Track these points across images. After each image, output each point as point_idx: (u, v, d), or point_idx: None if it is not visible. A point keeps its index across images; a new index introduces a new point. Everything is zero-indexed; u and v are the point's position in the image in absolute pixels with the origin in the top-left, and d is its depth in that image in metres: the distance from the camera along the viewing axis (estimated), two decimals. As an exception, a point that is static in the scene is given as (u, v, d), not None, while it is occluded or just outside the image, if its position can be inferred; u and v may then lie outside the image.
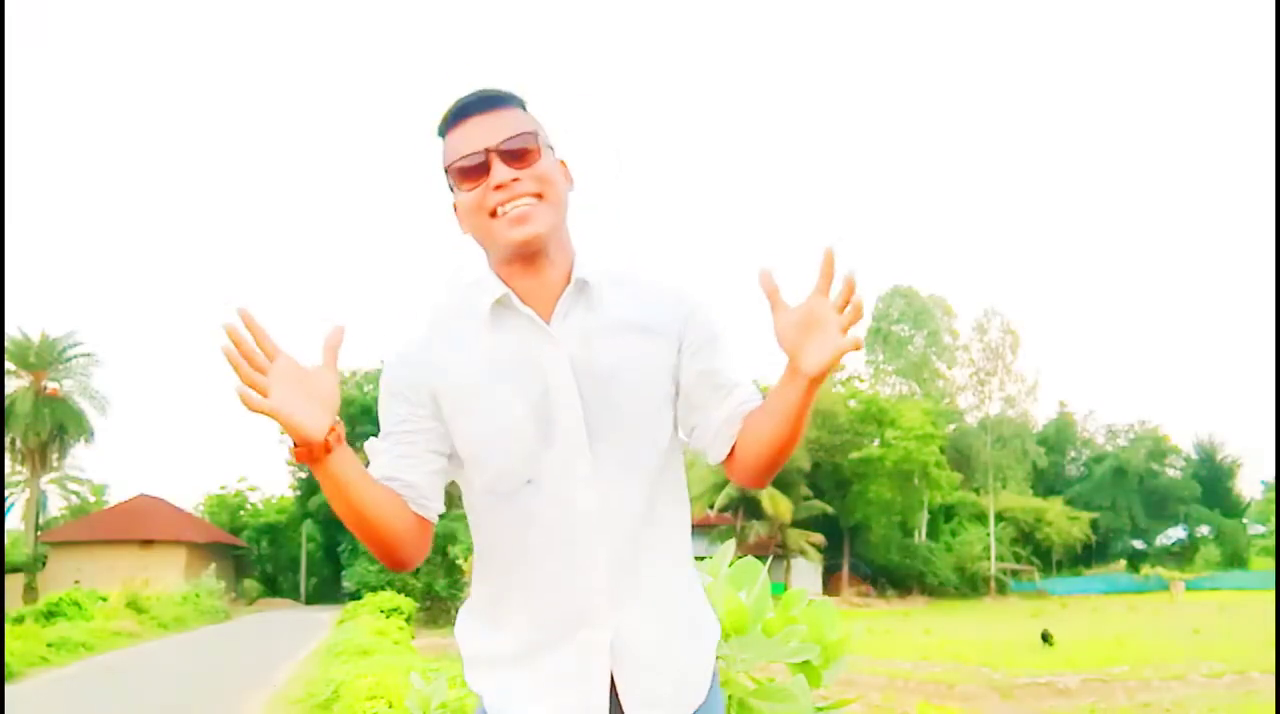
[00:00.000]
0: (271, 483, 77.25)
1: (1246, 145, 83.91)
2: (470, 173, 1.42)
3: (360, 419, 43.00)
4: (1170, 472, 65.44)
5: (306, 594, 46.87)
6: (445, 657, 16.35)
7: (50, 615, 21.59)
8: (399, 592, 27.35)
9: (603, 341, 1.44)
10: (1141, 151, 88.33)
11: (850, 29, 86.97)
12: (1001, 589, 49.49)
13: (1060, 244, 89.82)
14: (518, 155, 1.41)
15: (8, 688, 12.12)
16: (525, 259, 1.43)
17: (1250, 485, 67.66)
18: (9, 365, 35.76)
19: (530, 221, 1.39)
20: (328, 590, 45.73)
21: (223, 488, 52.17)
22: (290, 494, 49.29)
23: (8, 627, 17.40)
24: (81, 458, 48.56)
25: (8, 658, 13.37)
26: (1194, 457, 66.55)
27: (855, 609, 37.62)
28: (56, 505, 45.62)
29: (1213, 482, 64.59)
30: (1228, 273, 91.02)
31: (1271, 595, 28.59)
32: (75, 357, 37.87)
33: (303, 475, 46.01)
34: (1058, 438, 65.66)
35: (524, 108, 1.48)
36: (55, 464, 38.99)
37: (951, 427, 52.81)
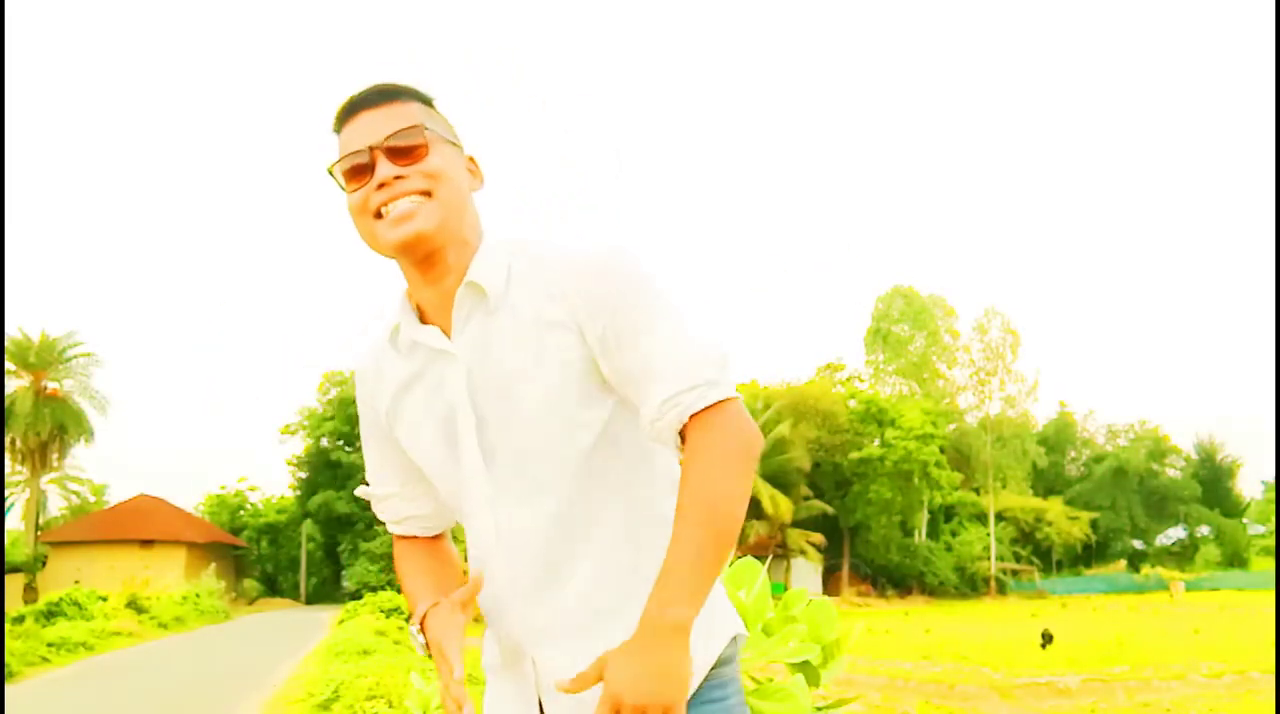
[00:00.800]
0: (271, 483, 77.31)
1: (1246, 145, 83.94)
2: (355, 172, 1.31)
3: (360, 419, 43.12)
4: (1170, 472, 65.43)
5: (306, 594, 46.89)
6: (445, 657, 16.30)
7: (50, 615, 21.59)
8: (399, 592, 27.30)
9: (504, 348, 1.30)
10: (1142, 152, 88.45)
11: (851, 30, 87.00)
12: (1001, 589, 49.50)
13: (1060, 244, 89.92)
14: (404, 151, 1.29)
15: (8, 688, 12.12)
16: (421, 265, 1.32)
17: (1250, 485, 67.76)
18: (9, 365, 35.79)
19: (412, 219, 1.28)
20: (328, 590, 45.81)
21: (223, 488, 52.26)
22: (290, 494, 49.31)
23: (8, 627, 17.39)
24: (81, 458, 48.65)
25: (8, 658, 13.37)
26: (1194, 457, 66.56)
27: (855, 609, 37.61)
28: (56, 505, 45.70)
29: (1213, 482, 64.62)
30: (1228, 273, 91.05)
31: (1271, 595, 28.61)
32: (75, 357, 37.91)
33: (303, 475, 46.04)
34: (1058, 438, 65.66)
35: (424, 102, 1.36)
36: (55, 464, 39.01)
37: (951, 427, 52.79)
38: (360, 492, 1.54)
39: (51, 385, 36.99)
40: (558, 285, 1.30)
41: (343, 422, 43.20)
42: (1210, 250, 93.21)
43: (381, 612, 22.55)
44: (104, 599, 24.47)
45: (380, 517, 1.53)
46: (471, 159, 1.40)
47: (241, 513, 51.03)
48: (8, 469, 36.71)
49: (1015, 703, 13.91)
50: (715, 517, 1.20)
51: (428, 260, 1.32)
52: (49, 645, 16.41)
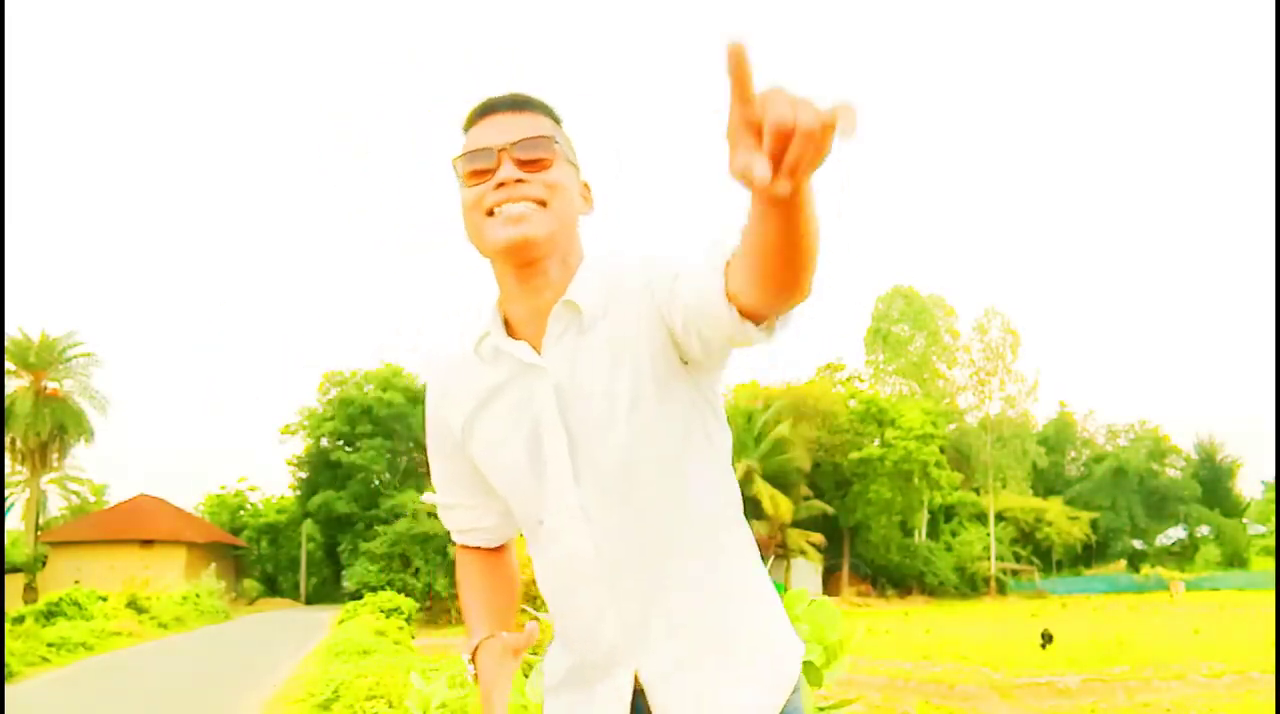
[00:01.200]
0: (271, 483, 77.24)
1: (1246, 145, 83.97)
2: (478, 171, 1.33)
3: (360, 419, 43.04)
4: (1170, 472, 65.44)
5: (306, 594, 46.85)
6: (445, 657, 16.33)
7: (50, 615, 21.57)
8: (399, 592, 27.38)
9: (589, 364, 1.32)
10: (1141, 151, 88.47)
11: (851, 29, 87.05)
12: (1001, 589, 49.50)
13: (1060, 244, 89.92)
14: (531, 157, 1.32)
15: (8, 688, 12.12)
16: (520, 272, 1.33)
17: (1250, 485, 67.77)
18: (9, 365, 35.78)
19: (523, 223, 1.29)
20: (328, 590, 45.77)
21: (223, 488, 52.20)
22: (290, 494, 49.28)
23: (8, 627, 17.41)
24: (81, 458, 48.63)
25: (8, 658, 13.37)
26: (1194, 457, 66.56)
27: (855, 609, 37.61)
28: (56, 505, 45.68)
29: (1213, 482, 64.62)
30: (1228, 273, 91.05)
31: (1271, 595, 28.60)
32: (75, 357, 37.89)
33: (303, 475, 46.00)
34: (1058, 438, 65.66)
35: (555, 119, 1.39)
36: (55, 464, 38.99)
37: (951, 427, 52.79)
38: (427, 498, 1.56)
39: (51, 385, 36.98)
40: (624, 296, 1.33)
41: (343, 422, 43.13)
42: (1210, 251, 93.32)
43: (381, 612, 22.56)
44: (104, 599, 24.47)
45: (445, 524, 1.55)
46: (586, 184, 1.42)
47: (241, 513, 50.98)
48: (8, 469, 36.75)
49: (1015, 703, 13.91)
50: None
51: (528, 268, 1.33)
52: (49, 645, 16.41)
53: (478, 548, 1.56)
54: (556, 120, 1.39)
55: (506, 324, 1.38)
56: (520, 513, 1.41)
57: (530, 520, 1.40)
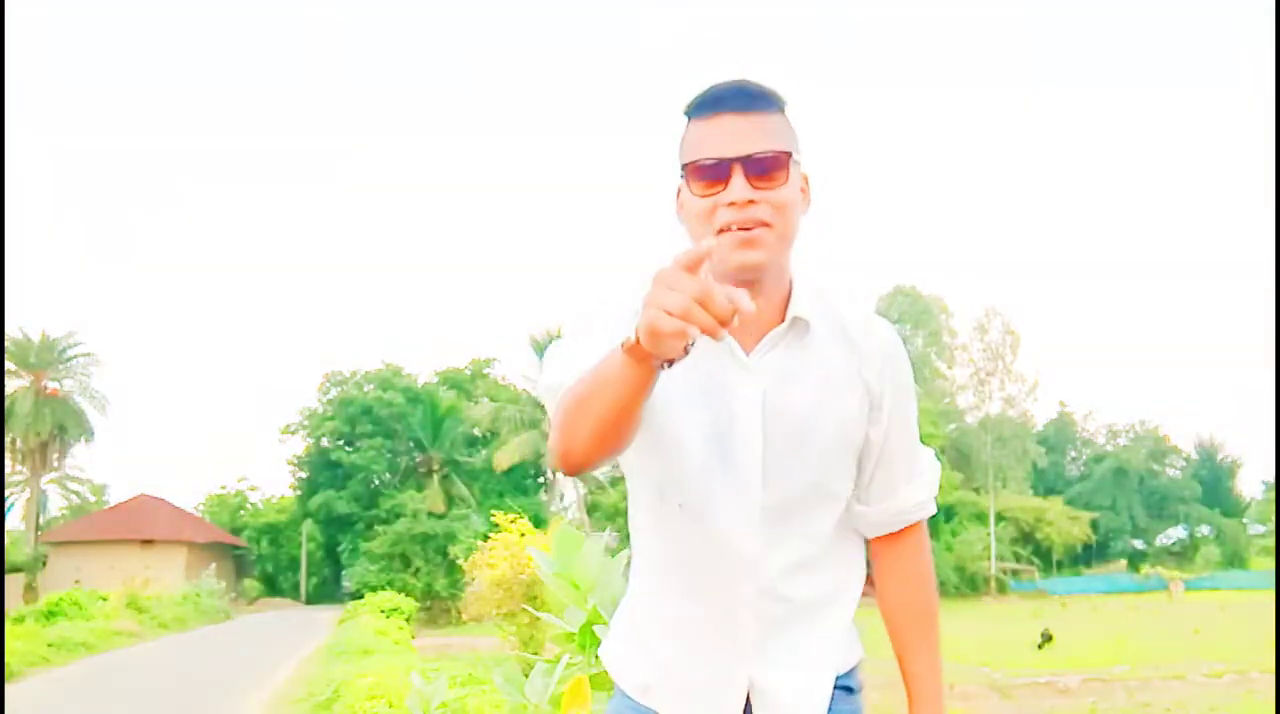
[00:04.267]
0: (271, 483, 77.18)
1: (1246, 145, 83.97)
2: (707, 177, 1.31)
3: (360, 419, 43.00)
4: (1170, 472, 65.40)
5: (306, 594, 46.84)
6: (445, 657, 16.37)
7: (50, 615, 21.59)
8: (399, 592, 27.40)
9: (801, 385, 1.35)
10: (1141, 150, 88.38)
11: (850, 27, 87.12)
12: (1001, 589, 49.49)
13: (1060, 244, 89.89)
14: (763, 173, 1.29)
15: (8, 688, 12.12)
16: (737, 283, 1.28)
17: (1250, 485, 67.75)
18: (9, 365, 35.79)
19: (758, 247, 1.29)
20: (328, 590, 45.75)
21: (223, 488, 52.14)
22: (290, 494, 49.27)
23: (8, 627, 17.41)
24: (81, 458, 48.63)
25: (8, 658, 13.37)
26: (1194, 457, 66.53)
27: (856, 609, 37.59)
28: (56, 505, 45.65)
29: (1213, 482, 64.54)
30: (1228, 273, 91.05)
31: (1271, 595, 28.60)
32: (75, 356, 37.91)
33: (303, 475, 45.98)
34: (1058, 438, 65.59)
35: (783, 110, 1.36)
36: (55, 464, 39.01)
37: (951, 427, 52.77)
38: (535, 381, 1.52)
39: (51, 385, 37.00)
40: (863, 347, 1.41)
41: (343, 422, 43.09)
42: (1211, 250, 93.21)
43: (382, 612, 22.58)
44: (104, 599, 24.49)
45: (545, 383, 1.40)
46: (806, 178, 1.40)
47: (241, 513, 50.93)
48: (8, 469, 36.77)
49: (1015, 703, 13.92)
50: (936, 627, 1.62)
51: (744, 283, 1.29)
52: (49, 645, 16.43)
53: None
54: (783, 107, 1.36)
55: None
56: (664, 490, 1.39)
57: (670, 499, 1.38)
